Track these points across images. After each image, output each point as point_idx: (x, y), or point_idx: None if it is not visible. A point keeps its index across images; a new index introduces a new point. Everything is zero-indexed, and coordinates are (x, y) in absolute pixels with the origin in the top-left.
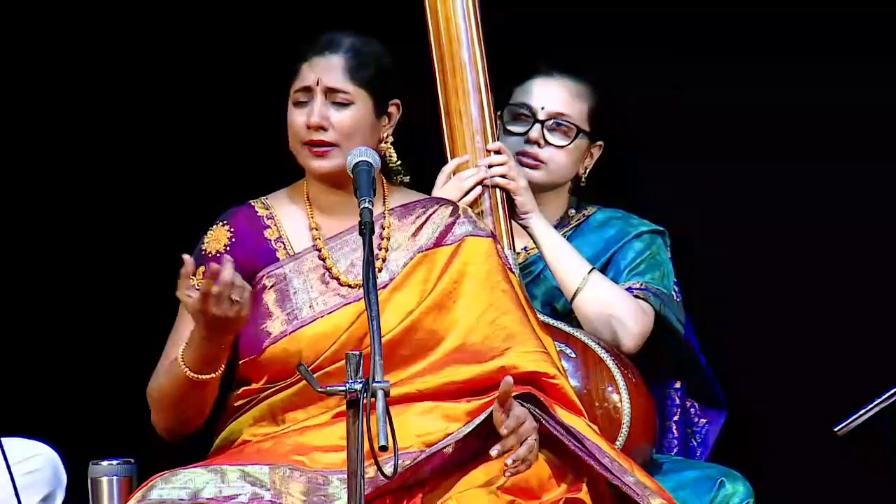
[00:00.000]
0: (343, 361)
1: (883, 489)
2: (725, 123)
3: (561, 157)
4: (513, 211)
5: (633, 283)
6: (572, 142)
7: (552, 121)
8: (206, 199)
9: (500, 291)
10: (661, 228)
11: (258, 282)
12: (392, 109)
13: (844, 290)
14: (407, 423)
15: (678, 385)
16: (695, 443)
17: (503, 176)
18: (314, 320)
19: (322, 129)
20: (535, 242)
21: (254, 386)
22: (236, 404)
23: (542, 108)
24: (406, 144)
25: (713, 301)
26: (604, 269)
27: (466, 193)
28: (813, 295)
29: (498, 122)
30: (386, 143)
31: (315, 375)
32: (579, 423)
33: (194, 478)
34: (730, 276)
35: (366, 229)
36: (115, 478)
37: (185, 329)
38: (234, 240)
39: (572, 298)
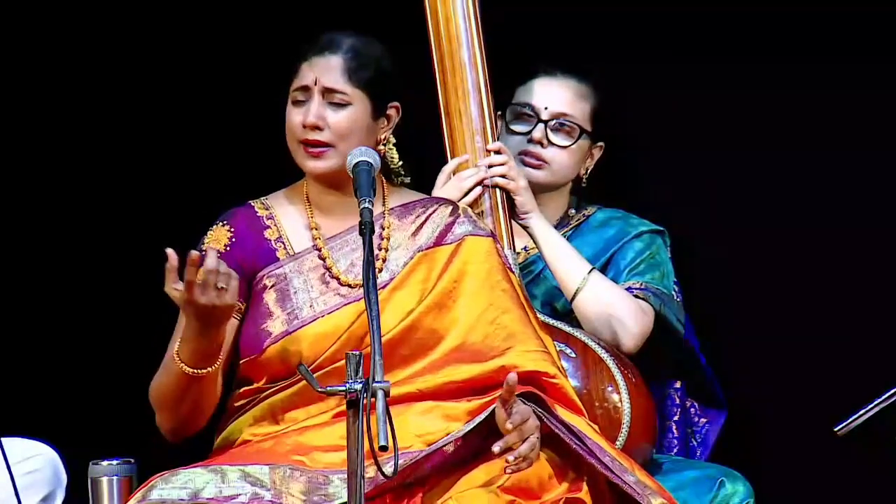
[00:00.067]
0: (343, 361)
1: (883, 489)
2: (725, 122)
3: (564, 158)
4: (513, 211)
5: (633, 282)
6: (575, 142)
7: (555, 121)
8: (206, 199)
9: (500, 291)
10: (661, 228)
11: (258, 282)
12: (391, 112)
13: (844, 290)
14: (407, 423)
15: (678, 385)
16: (695, 443)
17: (503, 176)
18: (314, 320)
19: (318, 128)
20: (534, 242)
21: (254, 386)
22: (236, 404)
23: (546, 108)
24: (406, 144)
25: (713, 301)
26: (604, 269)
27: (466, 193)
28: (813, 295)
29: (498, 121)
30: (384, 144)
31: (315, 375)
32: (580, 423)
33: (194, 478)
34: (730, 276)
35: (366, 229)
36: (115, 478)
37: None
38: (234, 240)
39: (572, 298)
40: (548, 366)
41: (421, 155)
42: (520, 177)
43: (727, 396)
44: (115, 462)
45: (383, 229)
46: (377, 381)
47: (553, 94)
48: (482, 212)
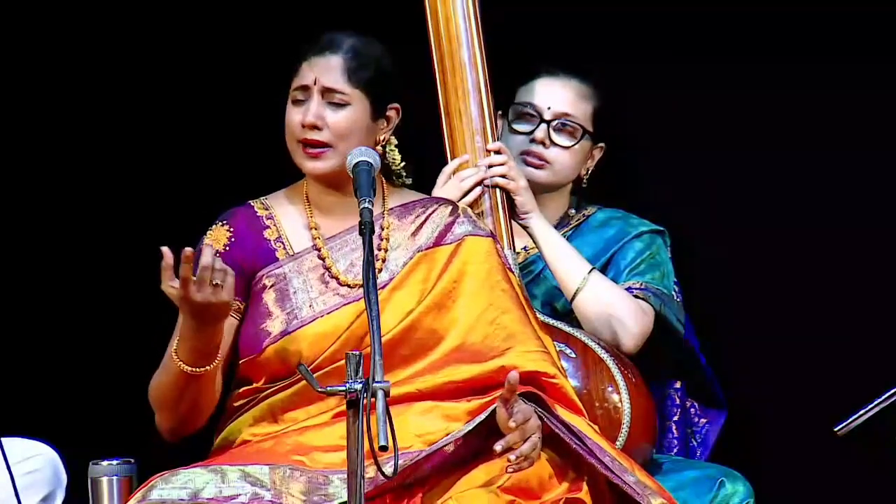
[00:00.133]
0: (343, 361)
1: (883, 489)
2: (725, 123)
3: (566, 158)
4: (513, 211)
5: (633, 283)
6: (577, 142)
7: (558, 121)
8: (206, 199)
9: (500, 291)
10: (661, 228)
11: (258, 281)
12: (391, 113)
13: (844, 290)
14: (407, 423)
15: (678, 385)
16: (695, 443)
17: (503, 176)
18: (314, 320)
19: (316, 128)
20: (535, 242)
21: (253, 386)
22: (236, 404)
23: (549, 108)
24: (406, 144)
25: (713, 301)
26: (604, 269)
27: (466, 193)
28: (813, 295)
29: (499, 121)
30: (384, 145)
31: (315, 375)
32: (580, 423)
33: (194, 478)
34: (730, 276)
35: (366, 229)
36: (115, 478)
37: None
38: (233, 240)
39: (572, 298)
40: (547, 366)
41: (421, 155)
42: (520, 177)
43: (727, 396)
44: (115, 462)
45: (383, 229)
46: (377, 381)
47: (556, 95)
48: (482, 212)
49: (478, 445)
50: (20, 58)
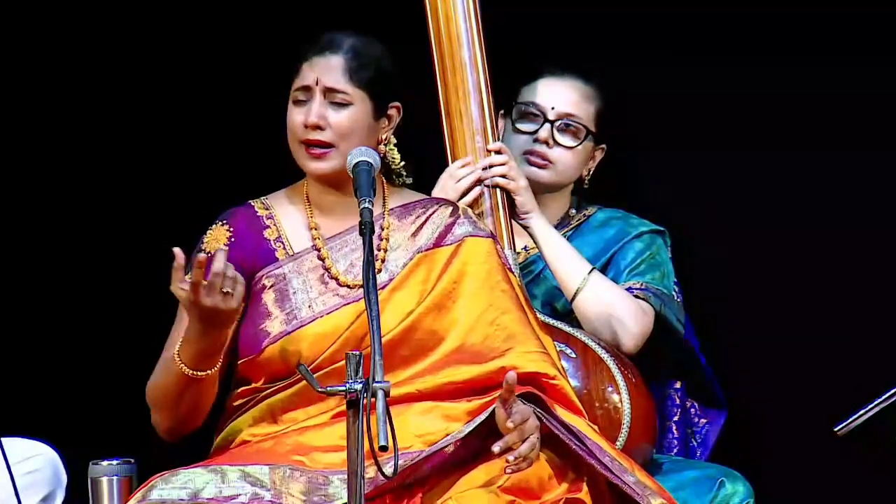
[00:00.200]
0: (342, 362)
1: (883, 489)
2: (725, 123)
3: (569, 158)
4: (513, 211)
5: (634, 283)
6: (581, 143)
7: (562, 121)
8: (206, 199)
9: (500, 291)
10: (661, 228)
11: (257, 282)
12: (392, 112)
13: (844, 290)
14: (407, 423)
15: (678, 385)
16: (695, 443)
17: (503, 176)
18: (313, 320)
19: (319, 128)
20: (535, 242)
21: (253, 386)
22: (235, 404)
23: (553, 109)
24: (406, 144)
25: (713, 301)
26: (604, 269)
27: (464, 194)
28: (813, 295)
29: (500, 120)
30: (385, 144)
31: (315, 375)
32: (580, 423)
33: (194, 478)
34: (730, 276)
35: (366, 229)
36: (115, 478)
37: (183, 329)
38: (233, 240)
39: (572, 298)
40: (547, 367)
41: (421, 155)
42: (520, 177)
43: (727, 396)
44: (115, 462)
45: (383, 230)
46: (377, 382)
47: (560, 95)
48: (482, 212)
49: (477, 446)
50: (21, 58)
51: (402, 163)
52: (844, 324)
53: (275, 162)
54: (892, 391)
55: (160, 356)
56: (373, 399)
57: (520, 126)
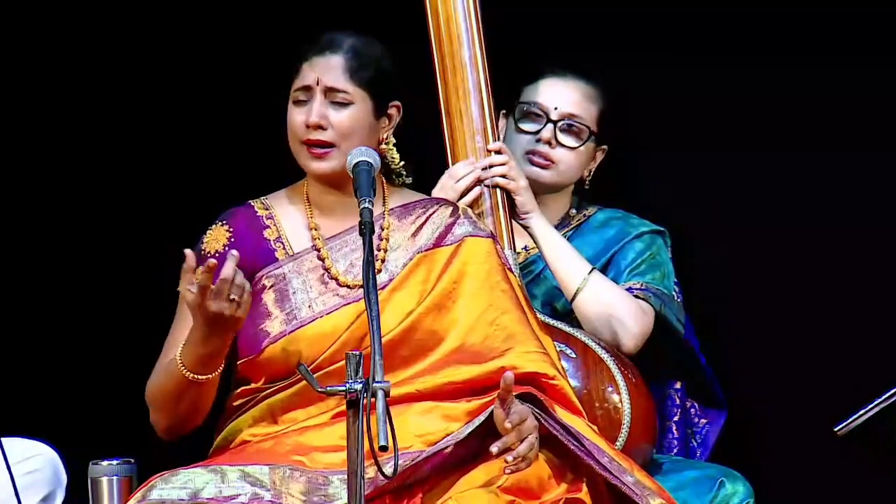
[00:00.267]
0: (342, 362)
1: (883, 489)
2: (725, 123)
3: (571, 159)
4: (513, 211)
5: (634, 283)
6: (583, 143)
7: (564, 121)
8: (206, 199)
9: (500, 291)
10: (662, 228)
11: (257, 282)
12: (392, 111)
13: (844, 290)
14: (407, 423)
15: (678, 385)
16: (695, 443)
17: (503, 176)
18: (313, 320)
19: (321, 128)
20: (535, 242)
21: (253, 386)
22: (235, 404)
23: (555, 109)
24: (406, 144)
25: (713, 301)
26: (604, 270)
27: (464, 194)
28: (813, 295)
29: (501, 120)
30: (386, 144)
31: (315, 375)
32: (579, 423)
33: (194, 478)
34: (730, 276)
35: (366, 229)
36: (115, 478)
37: (183, 329)
38: (233, 240)
39: (572, 298)
40: (547, 367)
41: (421, 155)
42: (520, 176)
43: (727, 396)
44: (115, 462)
45: (383, 230)
46: (377, 382)
47: (562, 95)
48: (482, 212)
49: (477, 446)
50: (21, 59)
51: (402, 163)
52: (844, 324)
53: (275, 162)
54: (892, 391)
55: (160, 356)
56: (373, 399)
57: (522, 126)
